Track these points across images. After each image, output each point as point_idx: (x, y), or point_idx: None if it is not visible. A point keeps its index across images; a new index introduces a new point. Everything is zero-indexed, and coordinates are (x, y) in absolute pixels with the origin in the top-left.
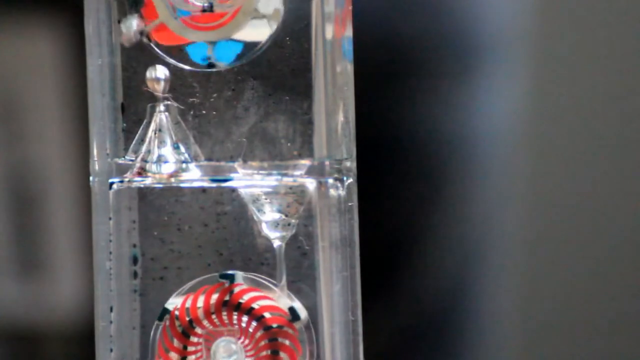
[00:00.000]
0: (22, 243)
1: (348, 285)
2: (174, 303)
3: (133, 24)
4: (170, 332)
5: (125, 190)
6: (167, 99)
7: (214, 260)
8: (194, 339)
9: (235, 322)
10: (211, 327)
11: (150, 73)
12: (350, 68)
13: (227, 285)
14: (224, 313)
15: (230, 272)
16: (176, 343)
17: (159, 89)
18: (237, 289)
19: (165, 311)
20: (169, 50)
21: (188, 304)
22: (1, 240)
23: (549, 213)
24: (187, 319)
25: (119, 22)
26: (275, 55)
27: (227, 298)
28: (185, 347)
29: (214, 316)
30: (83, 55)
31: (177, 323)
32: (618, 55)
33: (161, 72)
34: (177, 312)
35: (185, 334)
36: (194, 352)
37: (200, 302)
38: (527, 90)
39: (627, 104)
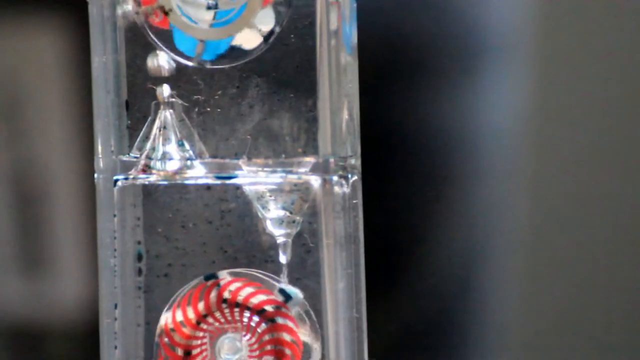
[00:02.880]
0: (27, 240)
1: (352, 283)
2: (165, 318)
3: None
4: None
5: (130, 187)
6: (172, 96)
7: (219, 257)
8: (199, 333)
9: (229, 317)
10: (209, 327)
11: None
12: (355, 65)
13: (208, 285)
14: (216, 311)
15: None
16: (180, 352)
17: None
18: (221, 283)
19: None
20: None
21: (179, 318)
22: (5, 238)
23: (553, 213)
24: (185, 330)
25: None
26: (280, 53)
27: (213, 298)
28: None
29: (209, 318)
30: (87, 52)
31: (175, 335)
32: (621, 55)
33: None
34: (171, 326)
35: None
36: (199, 346)
37: (191, 314)
38: (531, 89)
39: (631, 103)
